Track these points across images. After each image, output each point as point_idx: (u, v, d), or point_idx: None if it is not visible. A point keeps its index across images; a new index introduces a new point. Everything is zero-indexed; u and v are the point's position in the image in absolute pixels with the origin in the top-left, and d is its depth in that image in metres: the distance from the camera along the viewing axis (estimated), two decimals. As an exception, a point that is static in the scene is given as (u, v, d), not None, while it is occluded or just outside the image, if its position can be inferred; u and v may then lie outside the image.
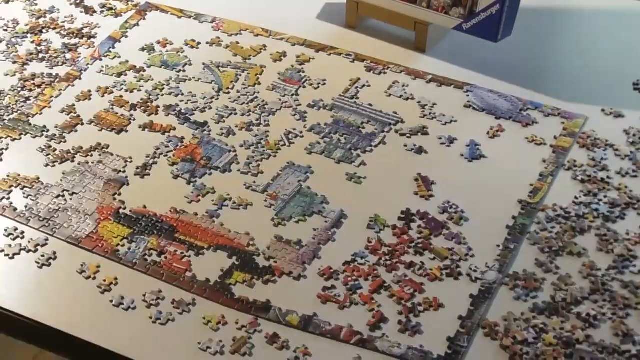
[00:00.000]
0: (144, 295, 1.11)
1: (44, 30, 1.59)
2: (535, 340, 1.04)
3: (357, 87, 1.46)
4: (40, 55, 1.53)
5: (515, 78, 1.48)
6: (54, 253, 1.17)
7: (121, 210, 1.23)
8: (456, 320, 1.08)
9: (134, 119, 1.40)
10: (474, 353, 1.04)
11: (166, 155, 1.32)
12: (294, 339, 1.06)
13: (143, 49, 1.56)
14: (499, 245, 1.17)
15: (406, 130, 1.37)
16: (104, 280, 1.13)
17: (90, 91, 1.46)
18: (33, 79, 1.47)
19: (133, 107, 1.42)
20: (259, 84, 1.47)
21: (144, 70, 1.50)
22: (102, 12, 1.63)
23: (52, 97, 1.44)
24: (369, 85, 1.47)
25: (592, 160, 1.30)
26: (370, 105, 1.42)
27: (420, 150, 1.33)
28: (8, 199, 1.25)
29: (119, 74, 1.49)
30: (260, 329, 1.07)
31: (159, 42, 1.57)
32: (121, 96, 1.44)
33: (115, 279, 1.13)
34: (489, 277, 1.13)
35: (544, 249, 1.16)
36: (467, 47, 1.53)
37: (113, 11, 1.64)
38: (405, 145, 1.34)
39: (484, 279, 1.13)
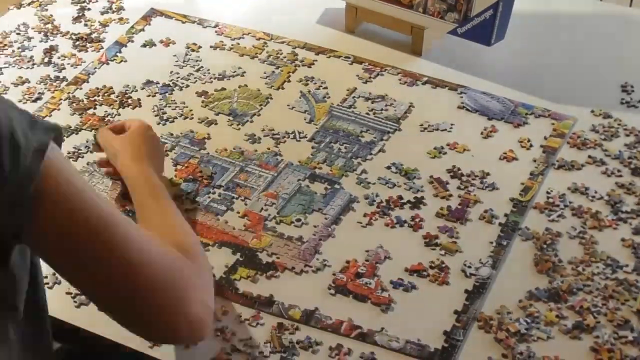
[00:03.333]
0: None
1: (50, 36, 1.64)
2: (527, 331, 1.08)
3: (354, 97, 1.48)
4: (46, 59, 1.57)
5: (508, 80, 1.50)
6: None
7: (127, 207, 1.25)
8: (452, 314, 1.10)
9: (119, 115, 1.45)
10: (470, 346, 1.07)
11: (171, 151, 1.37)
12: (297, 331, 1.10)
13: (144, 45, 1.62)
14: (492, 242, 1.20)
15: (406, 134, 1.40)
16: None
17: (99, 91, 1.50)
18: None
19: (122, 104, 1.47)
20: (289, 81, 1.52)
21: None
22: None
23: (61, 99, 1.48)
24: (366, 95, 1.48)
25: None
26: (367, 114, 1.44)
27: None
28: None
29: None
30: (263, 322, 1.10)
31: (162, 42, 1.62)
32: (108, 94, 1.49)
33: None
34: (483, 272, 1.16)
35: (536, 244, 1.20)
36: (461, 51, 1.56)
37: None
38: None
39: (478, 275, 1.15)
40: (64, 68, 1.55)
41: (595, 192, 1.28)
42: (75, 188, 0.83)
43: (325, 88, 1.50)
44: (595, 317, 1.09)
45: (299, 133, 1.40)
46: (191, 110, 1.45)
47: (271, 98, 1.48)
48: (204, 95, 1.48)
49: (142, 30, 1.66)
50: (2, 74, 1.55)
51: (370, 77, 1.53)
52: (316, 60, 1.56)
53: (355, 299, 1.14)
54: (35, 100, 1.47)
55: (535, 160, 1.34)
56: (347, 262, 1.18)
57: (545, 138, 1.39)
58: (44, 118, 1.43)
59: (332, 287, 1.15)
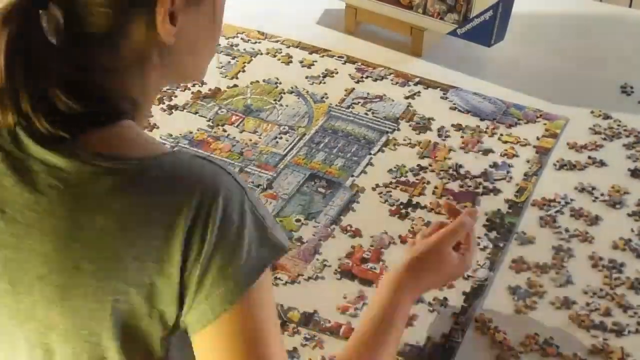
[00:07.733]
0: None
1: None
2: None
3: (352, 98, 1.48)
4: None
5: (507, 81, 1.51)
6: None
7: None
8: (450, 316, 1.10)
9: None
10: (468, 347, 1.07)
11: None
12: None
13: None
14: (488, 244, 1.20)
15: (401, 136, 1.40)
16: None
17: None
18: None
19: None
20: (244, 71, 1.53)
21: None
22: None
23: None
24: (364, 95, 1.49)
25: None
26: (366, 114, 1.45)
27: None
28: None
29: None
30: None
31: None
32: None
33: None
34: (481, 274, 1.16)
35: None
36: (461, 52, 1.56)
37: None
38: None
39: (476, 277, 1.15)
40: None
41: (595, 192, 1.28)
42: (261, 319, 0.76)
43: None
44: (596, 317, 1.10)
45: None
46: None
47: (284, 93, 1.50)
48: (217, 92, 1.49)
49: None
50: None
51: (362, 77, 1.53)
52: (315, 61, 1.57)
53: (362, 283, 1.15)
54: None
55: (528, 161, 1.35)
56: (352, 247, 1.19)
57: (538, 138, 1.39)
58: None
59: (338, 271, 1.16)
